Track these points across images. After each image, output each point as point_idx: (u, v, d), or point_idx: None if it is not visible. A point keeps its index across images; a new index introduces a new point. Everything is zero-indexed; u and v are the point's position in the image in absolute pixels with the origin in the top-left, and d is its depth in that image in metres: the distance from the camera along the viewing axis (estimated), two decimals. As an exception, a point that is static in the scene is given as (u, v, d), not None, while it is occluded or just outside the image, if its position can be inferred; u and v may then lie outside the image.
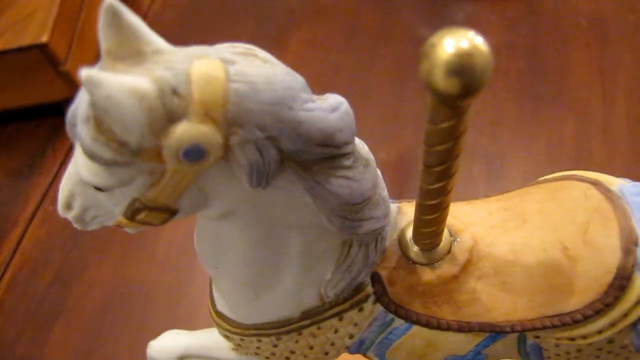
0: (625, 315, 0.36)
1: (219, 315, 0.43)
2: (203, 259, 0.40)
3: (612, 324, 0.36)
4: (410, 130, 1.03)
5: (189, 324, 0.88)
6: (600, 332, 0.37)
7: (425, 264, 0.38)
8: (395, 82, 1.10)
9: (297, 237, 0.34)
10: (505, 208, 0.40)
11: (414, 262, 0.38)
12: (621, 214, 0.37)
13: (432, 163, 0.31)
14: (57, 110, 1.14)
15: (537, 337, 0.39)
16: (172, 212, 0.30)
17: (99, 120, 0.26)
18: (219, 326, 0.44)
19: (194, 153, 0.26)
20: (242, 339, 0.42)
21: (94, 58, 1.15)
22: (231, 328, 0.42)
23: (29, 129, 1.15)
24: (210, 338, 0.48)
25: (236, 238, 0.35)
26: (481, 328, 0.38)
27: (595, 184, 0.39)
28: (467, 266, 0.38)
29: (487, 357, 0.40)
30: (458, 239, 0.38)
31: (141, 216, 0.30)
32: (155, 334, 0.88)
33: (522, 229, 0.39)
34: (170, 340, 0.50)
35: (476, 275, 0.38)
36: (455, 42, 0.24)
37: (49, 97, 1.09)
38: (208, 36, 1.25)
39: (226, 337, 0.44)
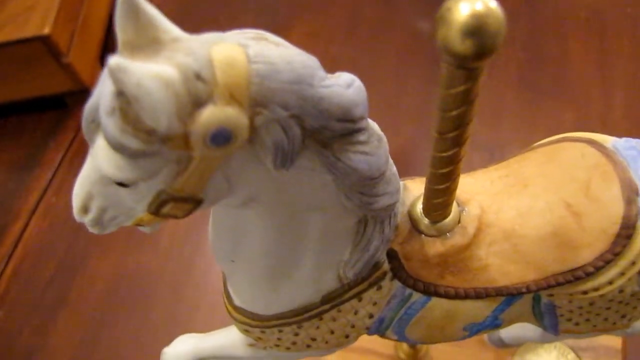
0: (634, 263, 0.37)
1: (238, 310, 0.42)
2: (219, 253, 0.40)
3: (622, 273, 0.38)
4: (410, 122, 1.04)
5: (192, 313, 0.89)
6: (611, 282, 0.38)
7: (437, 236, 0.39)
8: (395, 75, 1.10)
9: (316, 219, 0.34)
10: (506, 175, 0.41)
11: (426, 235, 0.39)
12: (619, 168, 0.38)
13: (447, 129, 0.31)
14: (58, 103, 1.14)
15: (551, 295, 0.39)
16: (197, 202, 0.30)
17: (126, 110, 0.25)
18: (237, 322, 0.43)
19: (221, 137, 0.26)
20: (262, 331, 0.42)
21: (95, 50, 1.15)
22: (251, 321, 0.42)
23: (30, 122, 1.15)
24: (223, 338, 0.48)
25: (256, 226, 0.35)
26: (497, 292, 0.39)
27: (590, 142, 0.40)
28: (477, 234, 0.39)
29: (503, 321, 0.41)
30: (466, 209, 0.39)
31: (166, 209, 0.30)
32: (159, 322, 0.88)
33: (525, 192, 0.40)
34: (184, 345, 0.49)
35: (487, 242, 0.39)
36: (471, 5, 0.24)
37: (51, 89, 1.09)
38: (209, 29, 1.25)
39: (245, 331, 0.43)
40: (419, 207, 0.39)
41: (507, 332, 0.65)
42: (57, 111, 1.15)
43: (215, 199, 0.31)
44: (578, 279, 0.38)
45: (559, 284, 0.38)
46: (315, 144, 0.30)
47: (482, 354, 0.71)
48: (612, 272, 0.38)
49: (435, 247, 0.39)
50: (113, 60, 0.24)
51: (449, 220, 0.39)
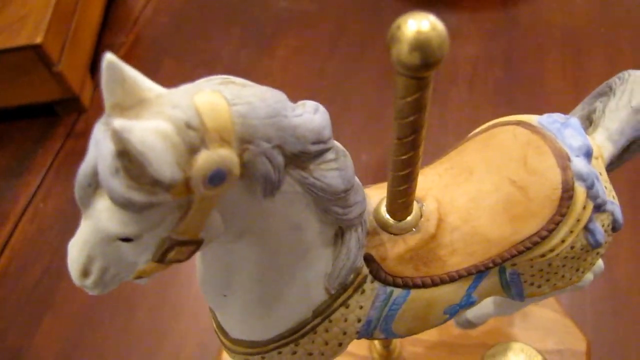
0: (578, 220, 0.42)
1: (236, 342, 0.44)
2: (210, 291, 0.41)
3: (571, 231, 0.42)
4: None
5: (175, 315, 0.91)
6: (563, 241, 0.43)
7: (405, 233, 0.42)
8: (378, 87, 1.14)
9: (300, 238, 0.37)
10: (451, 167, 0.45)
11: (395, 235, 0.42)
12: (549, 140, 0.43)
13: (404, 134, 0.35)
14: (48, 111, 1.17)
15: (514, 264, 0.44)
16: (198, 243, 0.32)
17: (129, 167, 0.27)
18: (237, 354, 0.44)
19: (217, 177, 0.29)
20: (262, 357, 0.43)
21: (85, 60, 1.18)
22: (251, 350, 0.43)
23: (20, 129, 1.17)
24: None
25: (248, 257, 0.37)
26: (468, 272, 0.42)
27: (519, 123, 0.45)
28: (439, 224, 0.42)
29: (477, 297, 0.45)
30: (424, 204, 0.43)
31: (171, 254, 0.32)
32: (143, 324, 0.91)
33: (471, 179, 0.44)
34: None
35: (449, 230, 0.42)
36: (417, 23, 0.28)
37: (42, 97, 1.11)
38: (199, 42, 1.29)
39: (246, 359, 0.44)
40: (383, 210, 0.43)
41: (472, 312, 0.69)
42: (46, 119, 1.17)
43: (213, 237, 0.33)
44: (535, 244, 0.42)
45: (519, 253, 0.42)
46: (294, 169, 0.33)
47: (451, 356, 0.74)
48: (562, 232, 0.42)
49: (405, 243, 0.42)
50: (117, 122, 0.26)
51: (412, 217, 0.42)
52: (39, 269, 0.99)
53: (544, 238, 0.42)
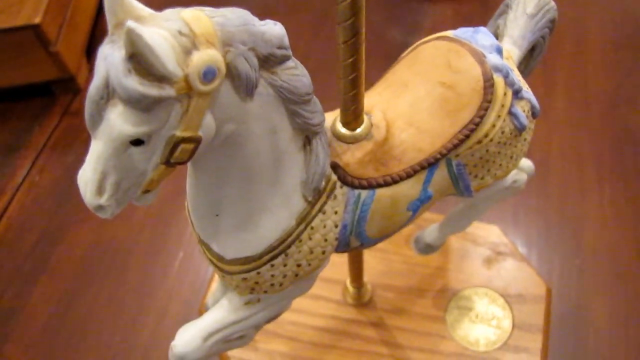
0: (502, 105, 0.49)
1: (232, 262, 0.48)
2: (203, 214, 0.47)
3: (498, 115, 0.50)
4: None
5: (162, 280, 0.96)
6: (494, 125, 0.50)
7: (360, 140, 0.48)
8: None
9: (276, 142, 0.42)
10: (388, 85, 0.52)
11: (352, 143, 0.48)
12: (465, 45, 0.50)
13: (346, 37, 0.41)
14: (45, 91, 1.23)
15: (457, 155, 0.50)
16: (197, 142, 0.37)
17: (138, 68, 0.33)
18: (235, 275, 0.48)
19: (210, 73, 0.35)
20: (258, 273, 0.47)
21: (82, 43, 1.24)
22: (247, 266, 0.47)
23: (18, 108, 1.23)
24: (220, 310, 0.52)
25: (233, 167, 0.42)
26: (421, 166, 0.49)
27: (437, 38, 0.52)
28: (388, 129, 0.49)
29: (433, 192, 0.51)
30: (372, 115, 0.49)
31: (177, 153, 0.37)
32: (130, 289, 0.95)
33: (407, 90, 0.51)
34: (188, 332, 0.51)
35: (397, 133, 0.49)
36: None
37: (39, 77, 1.17)
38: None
39: (244, 280, 0.48)
40: (338, 124, 0.49)
41: (429, 234, 0.75)
42: (43, 98, 1.23)
43: (208, 136, 0.38)
44: (472, 131, 0.49)
45: (460, 142, 0.49)
46: (265, 72, 0.39)
47: (419, 300, 0.79)
48: (492, 117, 0.49)
49: (363, 148, 0.48)
50: (130, 24, 0.31)
51: (363, 126, 0.48)
52: (34, 235, 1.04)
53: (477, 124, 0.49)
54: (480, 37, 0.51)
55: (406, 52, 0.55)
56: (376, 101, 0.50)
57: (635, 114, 1.10)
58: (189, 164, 0.44)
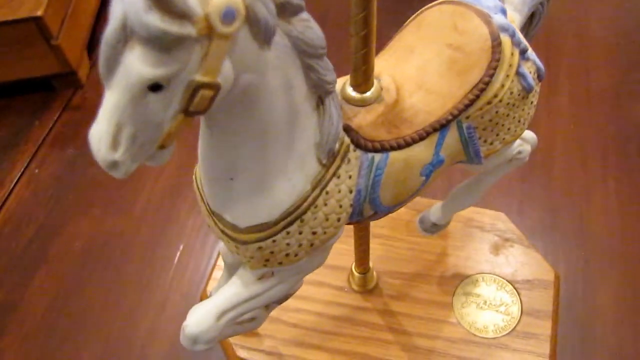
0: (510, 65, 0.49)
1: (247, 230, 0.46)
2: (218, 178, 0.45)
3: (507, 75, 0.49)
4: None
5: (162, 273, 0.95)
6: (503, 85, 0.49)
7: (372, 103, 0.47)
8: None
9: (292, 100, 0.41)
10: (394, 51, 0.52)
11: (363, 106, 0.47)
12: (470, 6, 0.50)
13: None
14: (46, 86, 1.22)
15: (468, 117, 0.49)
16: (216, 89, 0.36)
17: (159, 3, 0.31)
18: (250, 244, 0.47)
19: (230, 14, 0.33)
20: (273, 241, 0.46)
21: (83, 38, 1.24)
22: (262, 234, 0.46)
23: (19, 102, 1.22)
24: (233, 286, 0.51)
25: (249, 126, 0.41)
26: (433, 128, 0.48)
27: (442, 2, 0.52)
28: (398, 92, 0.48)
29: (445, 157, 0.50)
30: (381, 79, 0.48)
31: (196, 100, 0.35)
32: (129, 282, 0.94)
33: (414, 54, 0.50)
34: (200, 311, 0.50)
35: (407, 95, 0.48)
36: None
37: (40, 70, 1.16)
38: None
39: (259, 249, 0.47)
40: (349, 88, 0.48)
41: (434, 214, 0.73)
42: (44, 93, 1.22)
43: (226, 85, 0.36)
44: (481, 90, 0.48)
45: (471, 102, 0.48)
46: (282, 22, 0.38)
47: (426, 287, 0.77)
48: (500, 77, 0.49)
49: (375, 111, 0.47)
50: None
51: (373, 89, 0.47)
52: (32, 229, 1.03)
53: (487, 84, 0.48)
54: None
55: (410, 19, 0.54)
56: (383, 67, 0.50)
57: (638, 108, 1.10)
58: (202, 125, 0.43)
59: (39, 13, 1.06)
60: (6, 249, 1.00)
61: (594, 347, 0.81)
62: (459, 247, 0.80)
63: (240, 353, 0.74)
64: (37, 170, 1.10)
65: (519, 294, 0.76)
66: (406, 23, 0.54)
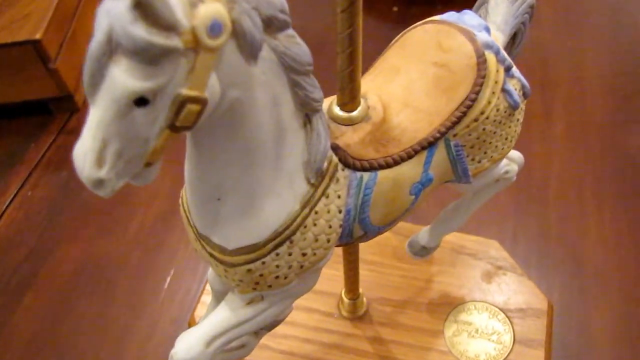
0: (496, 82, 0.49)
1: (235, 252, 0.45)
2: (204, 199, 0.44)
3: (493, 92, 0.50)
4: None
5: (152, 298, 0.93)
6: (489, 102, 0.49)
7: (358, 122, 0.48)
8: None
9: (279, 116, 0.41)
10: (380, 72, 0.52)
11: (350, 125, 0.48)
12: (453, 25, 0.51)
13: (343, 7, 0.40)
14: (43, 109, 1.22)
15: (455, 134, 0.50)
16: (203, 103, 0.35)
17: (145, 16, 0.31)
18: (237, 267, 0.46)
19: (216, 27, 0.33)
20: (262, 263, 0.45)
21: (82, 61, 1.23)
22: (252, 255, 0.45)
23: (14, 126, 1.22)
24: (221, 312, 0.50)
25: (237, 140, 0.41)
26: (421, 146, 0.48)
27: (424, 23, 0.53)
28: (385, 110, 0.48)
29: (434, 175, 0.50)
30: (367, 98, 0.49)
31: (183, 114, 0.34)
32: (121, 306, 0.92)
33: (400, 74, 0.50)
34: (189, 338, 0.49)
35: (395, 114, 0.48)
36: None
37: (37, 93, 1.17)
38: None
39: (248, 272, 0.46)
40: (335, 107, 0.48)
41: (423, 237, 0.72)
42: (41, 116, 1.22)
43: (213, 99, 0.36)
44: (468, 107, 0.49)
45: (458, 119, 0.49)
46: (269, 37, 0.38)
47: (417, 314, 0.76)
48: (487, 94, 0.49)
49: (362, 129, 0.47)
50: None
51: (360, 108, 0.48)
52: (23, 251, 1.02)
53: (473, 100, 0.49)
54: (468, 18, 0.52)
55: (394, 40, 0.55)
56: (369, 87, 0.50)
57: (633, 137, 1.10)
58: (189, 144, 0.42)
59: (38, 36, 1.07)
60: (-4, 271, 1.00)
61: (588, 379, 0.79)
62: (451, 274, 0.79)
63: (227, 380, 0.72)
64: (30, 193, 1.10)
65: (511, 323, 0.74)
66: (391, 44, 0.54)
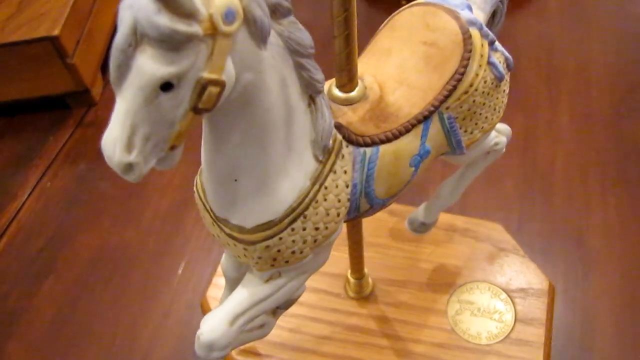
0: (482, 55, 0.52)
1: (254, 230, 0.48)
2: (220, 181, 0.47)
3: (480, 65, 0.53)
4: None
5: (166, 284, 0.97)
6: (477, 74, 0.53)
7: (358, 101, 0.51)
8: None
9: (287, 97, 0.44)
10: (372, 54, 0.55)
11: (350, 105, 0.51)
12: (438, 6, 0.54)
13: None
14: (60, 104, 1.27)
15: (448, 107, 0.52)
16: (222, 85, 0.38)
17: (167, 5, 0.34)
18: (256, 244, 0.48)
19: (230, 14, 0.36)
20: (280, 238, 0.48)
21: (98, 58, 1.29)
22: (269, 232, 0.48)
23: (33, 120, 1.26)
24: (242, 291, 0.52)
25: (251, 121, 0.43)
26: (417, 120, 0.51)
27: (412, 5, 0.56)
28: (382, 89, 0.51)
29: (431, 149, 0.53)
30: (364, 79, 0.52)
31: (204, 97, 0.37)
32: (137, 290, 0.96)
33: (392, 55, 0.54)
34: (213, 318, 0.51)
35: (390, 92, 0.51)
36: None
37: (55, 89, 1.21)
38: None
39: (267, 248, 0.48)
40: (334, 89, 0.51)
41: (421, 213, 0.75)
42: (58, 111, 1.27)
43: (229, 82, 0.39)
44: (458, 81, 0.51)
45: (449, 93, 0.52)
46: (274, 23, 0.41)
47: (421, 294, 0.78)
48: (474, 67, 0.52)
49: (361, 108, 0.50)
50: None
51: (358, 88, 0.50)
52: (43, 239, 1.05)
53: (462, 74, 0.52)
54: None
55: (383, 24, 0.57)
56: (364, 69, 0.53)
57: (637, 127, 1.11)
58: (205, 130, 0.45)
59: (56, 32, 1.11)
60: (17, 257, 1.03)
61: (590, 358, 0.81)
62: (454, 256, 0.81)
63: (237, 357, 0.75)
64: (49, 184, 1.14)
65: (513, 302, 0.76)
66: (380, 28, 0.57)
